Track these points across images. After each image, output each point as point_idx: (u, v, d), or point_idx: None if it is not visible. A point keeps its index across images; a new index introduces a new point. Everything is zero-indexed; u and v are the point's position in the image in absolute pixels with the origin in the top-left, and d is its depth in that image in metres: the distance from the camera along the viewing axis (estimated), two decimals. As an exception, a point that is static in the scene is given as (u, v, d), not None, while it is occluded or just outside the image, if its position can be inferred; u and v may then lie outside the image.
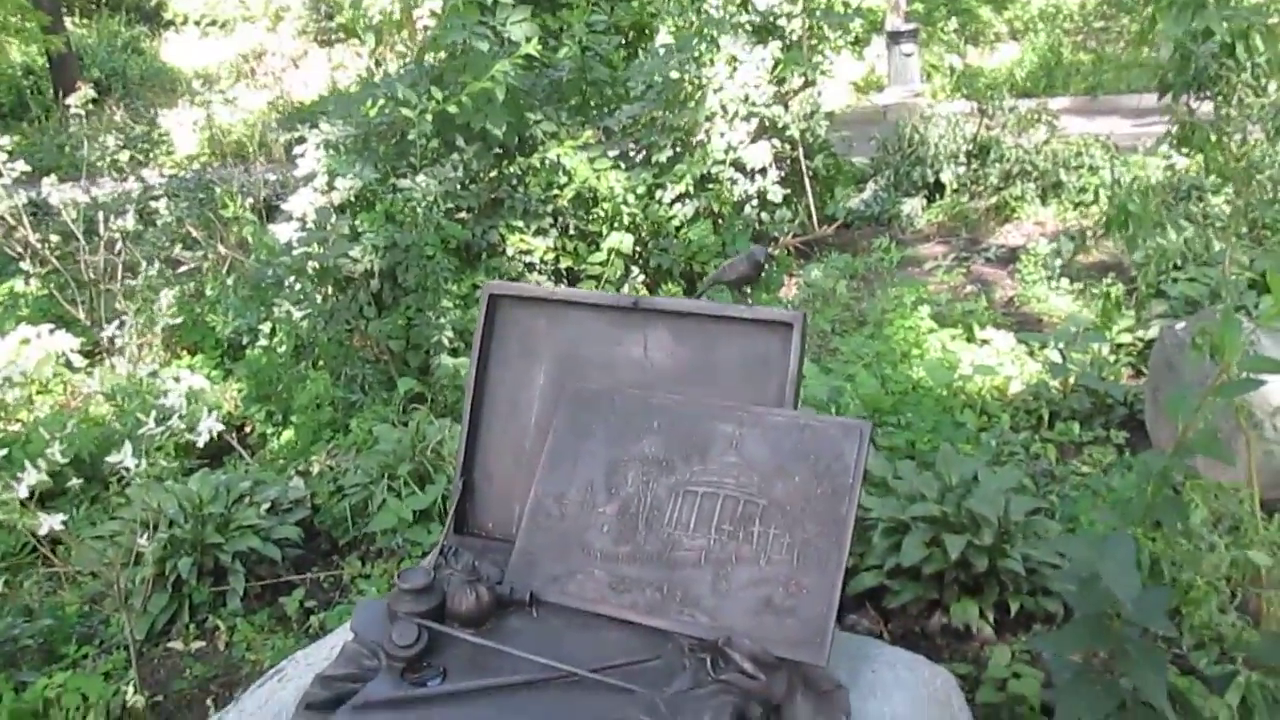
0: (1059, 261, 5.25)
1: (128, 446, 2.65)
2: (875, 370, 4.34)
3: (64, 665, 3.20)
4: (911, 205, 7.92)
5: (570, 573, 1.76)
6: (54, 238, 6.46)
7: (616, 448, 1.83)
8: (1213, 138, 5.07)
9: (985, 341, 4.79)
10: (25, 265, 6.71)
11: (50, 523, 2.45)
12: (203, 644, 3.30)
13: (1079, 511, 3.22)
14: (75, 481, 3.20)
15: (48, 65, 16.54)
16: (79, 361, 6.59)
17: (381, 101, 5.77)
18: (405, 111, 5.33)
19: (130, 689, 2.93)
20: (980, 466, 3.23)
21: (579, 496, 1.81)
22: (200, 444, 2.71)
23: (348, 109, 5.87)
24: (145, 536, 2.84)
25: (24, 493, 2.44)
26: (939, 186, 8.11)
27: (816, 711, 1.59)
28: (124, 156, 7.52)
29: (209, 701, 2.98)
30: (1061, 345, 4.32)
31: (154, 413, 2.73)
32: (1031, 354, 4.63)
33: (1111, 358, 4.43)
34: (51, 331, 6.86)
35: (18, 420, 5.58)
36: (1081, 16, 15.70)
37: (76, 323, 6.52)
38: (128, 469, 2.63)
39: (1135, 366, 4.49)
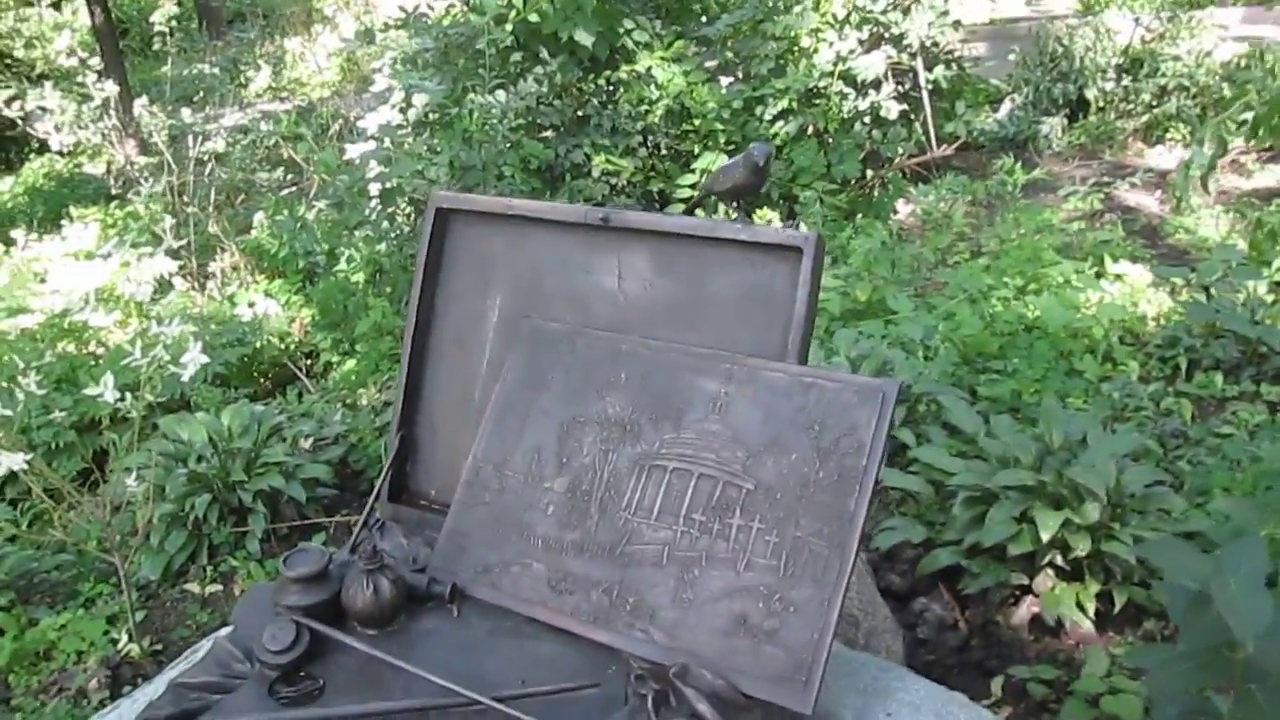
0: (1194, 172, 4.46)
1: (108, 378, 2.39)
2: (982, 307, 3.80)
3: (80, 603, 3.04)
4: (1051, 125, 7.17)
5: (505, 563, 1.39)
6: (140, 159, 6.39)
7: (574, 405, 1.44)
8: None
9: (1119, 276, 4.17)
10: (113, 185, 6.68)
11: (10, 461, 2.22)
12: (219, 587, 3.09)
13: (1213, 484, 2.67)
14: (59, 414, 3.01)
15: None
16: (180, 285, 6.56)
17: (456, 9, 5.40)
18: (474, 18, 4.94)
19: (126, 637, 2.74)
20: (1092, 425, 2.71)
21: (524, 465, 1.43)
22: (185, 378, 2.43)
23: (425, 22, 5.53)
24: (134, 478, 2.61)
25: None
26: (1083, 104, 7.32)
27: (797, 770, 1.19)
28: (222, 78, 7.40)
29: (210, 654, 2.76)
30: (1207, 281, 3.68)
31: (139, 343, 2.46)
32: (1173, 292, 4.00)
33: (1269, 298, 3.76)
34: (151, 254, 6.84)
35: (102, 344, 5.54)
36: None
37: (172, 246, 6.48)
38: (108, 403, 2.37)
39: (1300, 308, 3.81)
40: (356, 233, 5.51)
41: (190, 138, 6.66)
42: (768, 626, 1.22)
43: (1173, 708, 1.54)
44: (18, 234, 8.37)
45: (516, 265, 1.56)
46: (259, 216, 6.79)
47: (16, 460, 2.23)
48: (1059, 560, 2.36)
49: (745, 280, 1.41)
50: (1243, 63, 7.06)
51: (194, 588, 3.10)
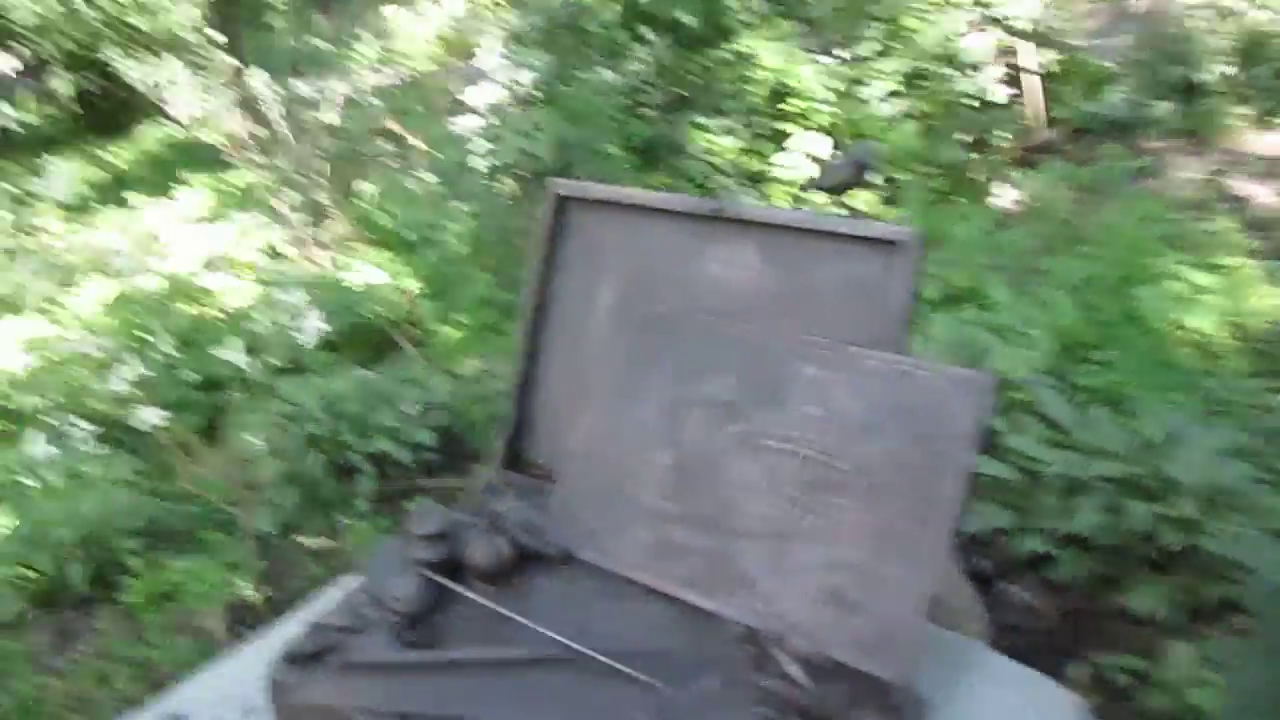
0: None
1: (237, 342, 2.57)
2: (1082, 298, 3.77)
3: (204, 551, 3.25)
4: (1163, 109, 6.96)
5: (612, 530, 1.49)
6: (258, 130, 6.64)
7: (681, 385, 1.53)
8: None
9: (1228, 269, 4.09)
10: (233, 155, 6.96)
11: (148, 417, 2.41)
12: (330, 542, 3.27)
13: (1313, 484, 2.64)
14: (190, 374, 3.19)
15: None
16: (291, 252, 6.82)
17: (566, -12, 5.51)
18: (586, -1, 5.04)
19: (247, 582, 2.93)
20: (1190, 420, 2.70)
21: (633, 439, 1.53)
22: (310, 345, 2.60)
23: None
24: (262, 437, 2.79)
25: (120, 386, 2.39)
26: (1198, 89, 7.09)
27: (882, 734, 1.27)
28: (333, 51, 7.62)
29: (322, 603, 2.94)
30: (1319, 278, 3.60)
31: (265, 310, 2.63)
32: (1285, 286, 3.92)
33: (1387, 296, 3.67)
34: (266, 223, 7.14)
35: (219, 308, 5.81)
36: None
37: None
38: (238, 367, 2.55)
39: None
40: (462, 206, 5.67)
41: (304, 110, 6.87)
42: (859, 599, 1.30)
43: (1248, 698, 1.58)
44: (135, 199, 8.74)
45: (630, 251, 1.65)
46: (366, 187, 7.01)
47: (154, 416, 2.42)
48: (1149, 552, 2.38)
49: (849, 272, 1.48)
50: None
51: (306, 541, 3.29)
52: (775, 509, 1.39)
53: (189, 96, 6.94)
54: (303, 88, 7.13)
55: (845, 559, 1.32)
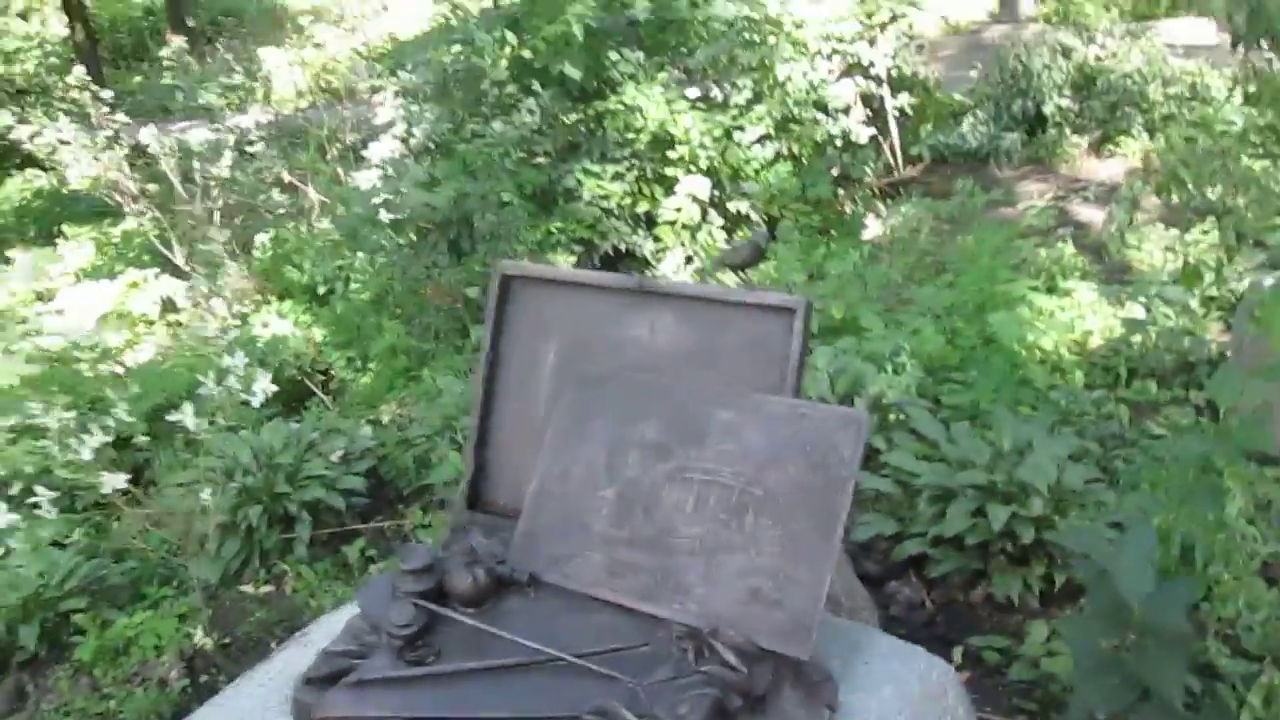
0: (1124, 210, 4.98)
1: (187, 407, 2.77)
2: (945, 324, 4.23)
3: (147, 605, 3.39)
4: (1010, 140, 7.61)
5: (569, 555, 1.78)
6: (151, 186, 6.71)
7: (619, 430, 1.84)
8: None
9: (1068, 292, 4.62)
10: (130, 208, 6.98)
11: (113, 482, 2.59)
12: (271, 589, 3.46)
13: (1141, 480, 3.10)
14: (143, 438, 3.36)
15: (166, 4, 16.85)
16: (183, 303, 6.86)
17: (458, 48, 5.79)
18: (475, 59, 5.34)
19: (199, 631, 3.11)
20: (1039, 430, 3.14)
21: (581, 478, 1.83)
22: (255, 405, 2.82)
23: (424, 54, 5.91)
24: (210, 491, 2.98)
25: (88, 455, 2.57)
26: (1041, 120, 7.77)
27: (801, 704, 1.59)
28: (220, 102, 7.70)
29: (272, 644, 3.14)
30: (1143, 299, 4.13)
31: (212, 374, 2.84)
32: (1116, 305, 4.45)
33: (1201, 311, 4.22)
34: (158, 275, 7.16)
35: (119, 364, 5.84)
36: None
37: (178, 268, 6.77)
38: (186, 429, 2.75)
39: (1227, 321, 4.26)
40: (360, 256, 5.87)
41: (195, 161, 6.93)
42: (775, 597, 1.62)
43: (1090, 659, 1.97)
44: (13, 254, 8.55)
45: (567, 320, 1.95)
46: (261, 238, 7.10)
47: (119, 481, 2.60)
48: (1009, 548, 2.79)
49: (750, 332, 1.82)
50: (1188, 80, 7.52)
51: (249, 589, 3.47)
52: (704, 529, 1.71)
53: (76, 151, 6.93)
54: (192, 140, 7.19)
55: (763, 566, 1.65)
